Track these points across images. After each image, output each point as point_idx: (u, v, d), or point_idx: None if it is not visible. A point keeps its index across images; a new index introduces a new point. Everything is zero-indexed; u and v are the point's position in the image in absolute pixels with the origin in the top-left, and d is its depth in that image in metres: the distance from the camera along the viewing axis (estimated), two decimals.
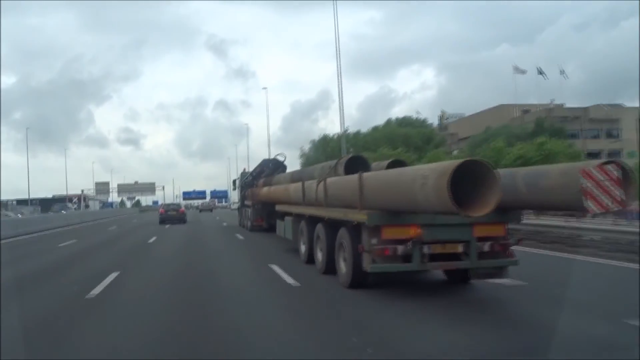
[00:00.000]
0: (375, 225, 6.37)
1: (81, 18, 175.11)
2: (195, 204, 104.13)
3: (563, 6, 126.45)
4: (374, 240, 6.44)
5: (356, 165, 8.98)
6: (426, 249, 6.43)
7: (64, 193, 79.06)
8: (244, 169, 25.79)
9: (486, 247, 6.62)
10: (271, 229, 19.44)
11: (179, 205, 35.30)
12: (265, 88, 50.55)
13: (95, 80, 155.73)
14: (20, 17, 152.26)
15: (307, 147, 57.41)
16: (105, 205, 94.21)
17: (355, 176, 6.94)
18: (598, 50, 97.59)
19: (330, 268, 8.41)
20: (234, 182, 26.86)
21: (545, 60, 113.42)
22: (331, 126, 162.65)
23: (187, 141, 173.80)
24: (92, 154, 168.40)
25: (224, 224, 28.09)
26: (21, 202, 76.19)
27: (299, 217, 10.67)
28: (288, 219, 11.59)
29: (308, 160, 50.78)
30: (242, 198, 22.76)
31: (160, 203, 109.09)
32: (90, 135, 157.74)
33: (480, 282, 7.20)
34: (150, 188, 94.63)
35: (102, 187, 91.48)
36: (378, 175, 6.58)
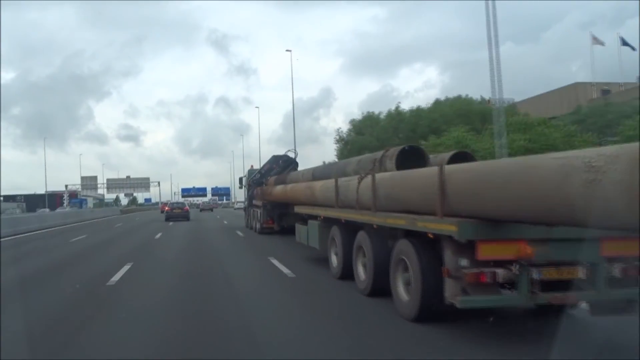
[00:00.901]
0: (469, 240, 4.46)
1: (81, 13, 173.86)
2: (196, 202, 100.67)
3: (569, 5, 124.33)
4: (464, 261, 4.53)
5: (407, 158, 7.08)
6: (536, 274, 4.53)
7: (58, 189, 74.15)
8: (252, 166, 23.91)
9: (617, 270, 4.71)
10: (283, 231, 17.65)
11: (183, 204, 38.67)
12: (289, 50, 41.07)
13: (95, 77, 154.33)
14: (19, 12, 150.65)
15: (345, 128, 43.10)
16: (72, 202, 75.50)
17: (431, 170, 5.06)
18: (604, 49, 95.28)
19: (378, 290, 6.54)
20: (241, 180, 24.88)
21: (550, 59, 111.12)
22: (333, 124, 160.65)
23: (188, 138, 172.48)
24: (92, 150, 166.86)
25: (239, 230, 26.29)
26: (7, 199, 71.16)
27: (329, 221, 8.78)
28: (313, 223, 9.69)
29: (347, 146, 38.98)
30: (250, 197, 20.86)
31: (153, 201, 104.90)
32: (90, 132, 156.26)
33: (598, 319, 5.26)
34: (143, 184, 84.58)
35: (89, 183, 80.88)
36: (476, 169, 4.62)
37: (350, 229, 7.72)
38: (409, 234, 5.62)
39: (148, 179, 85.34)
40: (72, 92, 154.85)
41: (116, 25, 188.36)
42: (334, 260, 8.49)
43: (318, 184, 9.70)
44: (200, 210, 64.00)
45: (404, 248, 5.62)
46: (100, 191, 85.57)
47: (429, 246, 5.17)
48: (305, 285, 8.17)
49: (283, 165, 19.58)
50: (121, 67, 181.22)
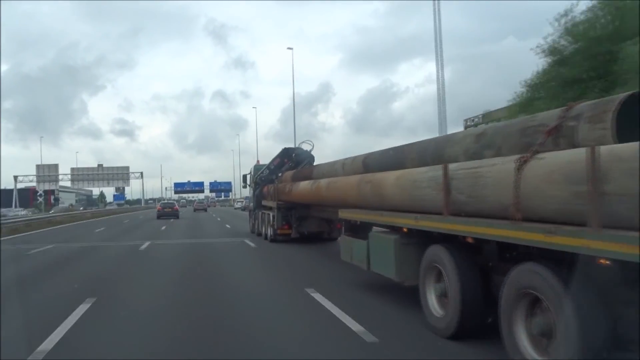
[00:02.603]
0: None
1: (76, 5, 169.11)
2: (191, 198, 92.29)
3: None
4: None
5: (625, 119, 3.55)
6: None
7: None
8: (258, 161, 20.32)
9: None
10: (303, 239, 14.27)
11: (173, 203, 43.26)
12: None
13: (89, 70, 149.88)
14: (13, 3, 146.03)
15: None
16: None
17: None
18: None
19: None
20: (245, 177, 21.28)
21: None
22: (331, 120, 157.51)
23: (184, 133, 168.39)
24: (86, 145, 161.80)
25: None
26: None
27: (420, 237, 5.34)
28: (383, 237, 6.22)
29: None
30: (258, 197, 17.32)
31: (123, 199, 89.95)
32: (84, 126, 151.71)
33: None
34: (120, 175, 66.12)
35: (47, 173, 60.98)
36: None
37: (490, 257, 4.29)
38: None
39: (127, 168, 67.47)
40: (66, 85, 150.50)
41: (112, 17, 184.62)
42: (434, 305, 5.03)
43: (390, 176, 6.22)
44: (194, 210, 58.99)
45: None
46: (64, 183, 67.85)
47: None
48: None
49: (296, 159, 16.26)
50: (116, 60, 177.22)
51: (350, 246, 7.37)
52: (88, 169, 66.04)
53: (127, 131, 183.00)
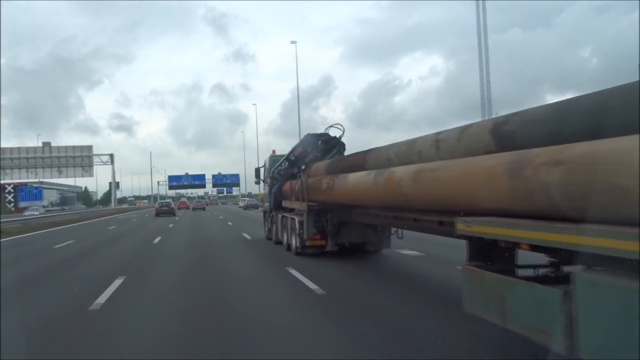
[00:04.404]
0: None
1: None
2: (190, 194, 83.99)
3: None
4: None
5: None
6: None
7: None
8: (273, 152, 16.66)
9: None
10: (344, 252, 10.71)
11: (170, 202, 46.36)
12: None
13: (86, 65, 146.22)
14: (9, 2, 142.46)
15: None
16: None
17: None
18: (620, 32, 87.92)
19: None
20: (257, 171, 17.63)
21: (560, 45, 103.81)
22: (332, 114, 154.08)
23: (183, 128, 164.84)
24: (83, 141, 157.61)
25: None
26: None
27: None
28: (625, 287, 2.61)
29: None
30: (276, 196, 13.75)
31: (41, 199, 68.30)
32: (80, 122, 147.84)
33: None
34: (79, 160, 47.12)
35: None
36: None
37: None
38: None
39: (89, 148, 48.83)
40: (62, 80, 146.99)
41: (109, 11, 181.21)
42: None
43: None
44: (193, 209, 55.45)
45: None
46: None
47: None
48: None
49: (323, 147, 12.89)
50: (114, 54, 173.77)
51: (497, 292, 3.75)
52: (28, 149, 45.76)
53: (124, 127, 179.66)
